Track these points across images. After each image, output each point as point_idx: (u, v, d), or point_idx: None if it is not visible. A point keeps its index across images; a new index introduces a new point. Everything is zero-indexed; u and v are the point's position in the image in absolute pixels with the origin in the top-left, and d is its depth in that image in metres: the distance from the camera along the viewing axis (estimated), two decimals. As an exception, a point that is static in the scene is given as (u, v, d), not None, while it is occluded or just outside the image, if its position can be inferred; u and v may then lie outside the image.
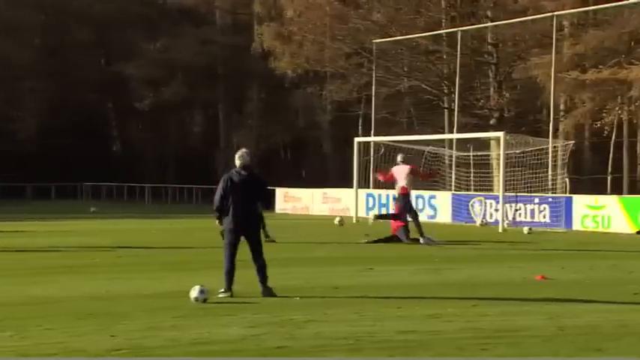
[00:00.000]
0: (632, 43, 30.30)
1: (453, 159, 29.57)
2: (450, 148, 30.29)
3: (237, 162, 9.80)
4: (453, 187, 28.56)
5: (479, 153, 29.69)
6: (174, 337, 7.13)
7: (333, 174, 44.98)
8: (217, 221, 9.70)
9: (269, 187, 10.02)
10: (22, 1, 52.75)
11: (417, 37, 34.11)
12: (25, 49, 51.73)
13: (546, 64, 28.64)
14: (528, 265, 13.72)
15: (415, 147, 30.05)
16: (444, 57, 35.71)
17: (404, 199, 17.94)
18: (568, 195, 24.80)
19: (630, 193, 30.37)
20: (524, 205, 24.47)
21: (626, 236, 20.91)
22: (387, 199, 28.40)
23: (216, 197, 9.59)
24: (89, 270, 12.53)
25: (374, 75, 33.56)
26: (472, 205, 26.04)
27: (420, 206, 27.52)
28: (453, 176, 29.07)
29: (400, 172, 18.28)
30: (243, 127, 54.31)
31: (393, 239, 17.67)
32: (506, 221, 23.70)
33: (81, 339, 7.08)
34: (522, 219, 24.47)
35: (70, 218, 28.12)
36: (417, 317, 8.19)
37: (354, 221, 26.26)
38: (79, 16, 54.10)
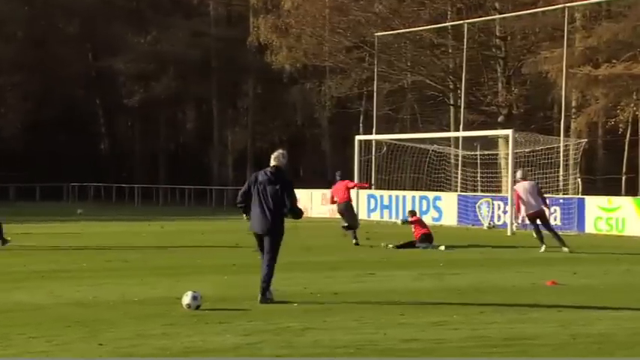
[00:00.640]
0: (648, 36, 30.34)
1: (459, 158, 29.59)
2: (456, 146, 30.31)
3: (271, 162, 9.86)
4: (459, 188, 28.58)
5: (486, 152, 29.72)
6: (164, 346, 7.13)
7: (333, 174, 44.96)
8: (245, 216, 9.78)
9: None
10: (4, -9, 52.79)
11: (421, 30, 34.13)
12: (7, 42, 51.73)
13: (557, 58, 28.67)
14: (538, 269, 13.72)
15: (419, 146, 30.08)
16: (450, 51, 35.73)
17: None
18: (580, 196, 24.81)
19: (645, 194, 30.40)
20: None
21: (641, 239, 20.94)
22: (389, 200, 28.44)
23: (240, 192, 9.83)
24: (76, 275, 12.53)
25: (375, 70, 33.58)
26: (479, 207, 26.06)
27: (424, 208, 27.56)
28: (459, 176, 29.09)
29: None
30: (238, 123, 54.34)
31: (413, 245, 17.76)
32: (515, 224, 23.73)
33: (67, 348, 7.08)
34: (532, 221, 24.45)
35: (56, 220, 28.10)
36: (420, 325, 8.20)
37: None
38: (65, 8, 54.10)
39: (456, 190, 28.40)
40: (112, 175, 52.84)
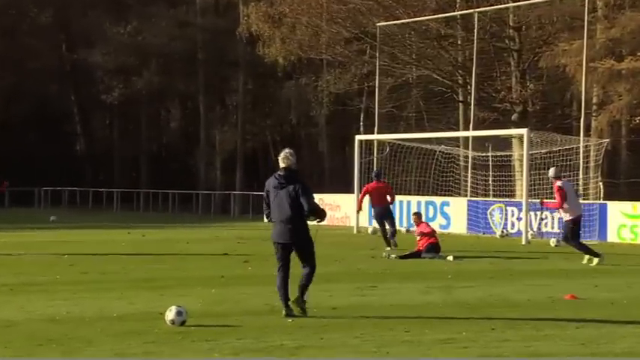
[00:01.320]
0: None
1: (469, 160, 29.62)
2: (466, 147, 30.34)
3: (280, 164, 9.86)
4: (469, 193, 28.60)
5: (499, 153, 29.75)
6: (146, 366, 7.12)
7: (331, 177, 45.03)
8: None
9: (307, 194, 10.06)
10: (-30, -23, 52.81)
11: (428, 20, 34.18)
12: (-26, 33, 51.78)
13: (576, 50, 28.71)
14: (556, 282, 13.74)
15: (425, 146, 30.11)
16: (459, 42, 35.78)
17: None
18: (602, 202, 24.84)
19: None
20: (551, 213, 24.50)
21: (669, 249, 20.97)
22: (392, 207, 28.42)
23: (264, 204, 10.01)
24: (49, 288, 12.52)
25: (377, 63, 33.61)
26: (491, 214, 26.08)
27: (431, 214, 27.57)
28: (469, 180, 29.12)
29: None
30: (226, 122, 54.37)
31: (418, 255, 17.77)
32: (531, 232, 23.73)
33: (39, 368, 7.07)
34: (549, 229, 24.51)
35: (27, 228, 28.08)
36: (426, 343, 8.20)
37: (355, 232, 26.28)
38: (37, -5, 54.17)
39: (466, 195, 28.42)
40: (89, 179, 52.83)
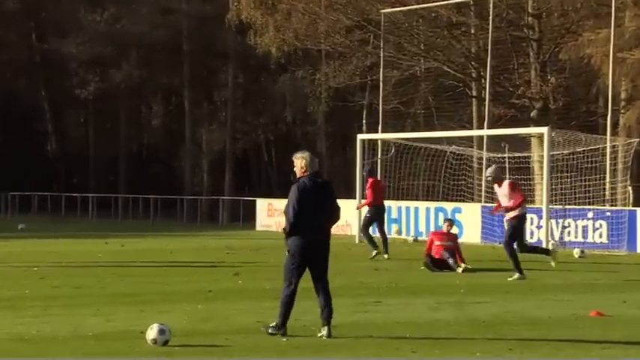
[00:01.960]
0: None
1: (484, 162, 29.63)
2: (480, 147, 30.34)
3: (309, 167, 10.01)
4: (483, 198, 28.61)
5: (516, 154, 29.75)
6: (125, 390, 7.14)
7: (330, 181, 44.99)
8: (286, 239, 9.90)
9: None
10: None
11: (438, 6, 34.21)
12: None
13: (603, 40, 28.73)
14: (580, 297, 13.76)
15: (435, 146, 30.13)
16: (472, 31, 35.81)
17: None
18: (631, 208, 24.85)
19: None
20: (575, 220, 24.51)
21: None
22: (398, 212, 28.47)
23: (290, 211, 9.83)
24: (17, 304, 12.52)
25: (382, 55, 33.64)
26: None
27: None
28: (483, 184, 29.14)
29: None
30: (215, 120, 54.42)
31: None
32: (552, 241, 23.73)
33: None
34: (572, 239, 24.52)
35: (-8, 237, 28.04)
36: (436, 364, 8.21)
37: (357, 241, 26.29)
38: (4, -21, 54.19)
39: (480, 201, 28.43)
40: (61, 183, 52.83)
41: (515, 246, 16.74)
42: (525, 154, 30.82)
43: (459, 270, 17.58)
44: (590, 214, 24.52)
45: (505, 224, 17.46)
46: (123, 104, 54.78)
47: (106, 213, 45.10)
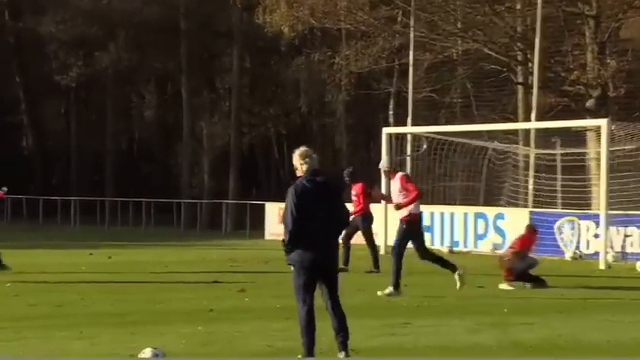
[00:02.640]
0: None
1: (531, 160, 29.59)
2: (526, 143, 30.30)
3: (304, 165, 9.94)
4: (530, 203, 28.58)
5: (569, 150, 29.72)
6: None
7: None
8: (287, 254, 9.89)
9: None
10: None
11: (477, -22, 34.16)
12: None
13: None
14: (643, 318, 13.74)
15: (473, 142, 30.09)
16: (518, 7, 35.75)
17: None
18: None
19: None
20: (639, 228, 24.45)
21: None
22: (431, 219, 28.44)
23: (288, 219, 9.76)
24: (-13, 325, 12.59)
25: (412, 35, 33.64)
26: (560, 229, 26.04)
27: (481, 230, 27.56)
28: (531, 186, 29.09)
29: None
30: (217, 110, 54.52)
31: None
32: (612, 253, 23.66)
33: None
34: (636, 250, 24.45)
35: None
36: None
37: (383, 252, 26.30)
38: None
39: (527, 205, 28.39)
40: (39, 184, 52.98)
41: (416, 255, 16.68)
42: (580, 151, 30.76)
43: (505, 286, 17.57)
44: (656, 221, 24.49)
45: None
46: (110, 92, 54.92)
47: (91, 219, 45.24)
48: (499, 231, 27.38)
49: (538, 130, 29.50)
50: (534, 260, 18.21)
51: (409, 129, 31.24)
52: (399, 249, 16.40)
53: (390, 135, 28.68)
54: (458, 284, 16.68)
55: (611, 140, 24.63)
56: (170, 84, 57.35)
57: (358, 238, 21.31)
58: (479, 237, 27.62)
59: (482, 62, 37.47)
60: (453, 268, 16.90)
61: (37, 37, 53.06)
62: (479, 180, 30.63)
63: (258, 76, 53.01)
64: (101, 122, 55.84)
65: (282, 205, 10.17)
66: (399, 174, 17.02)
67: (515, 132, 31.10)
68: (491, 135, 29.79)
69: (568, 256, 25.28)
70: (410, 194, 16.47)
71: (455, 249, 27.13)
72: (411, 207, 16.47)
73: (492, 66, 37.09)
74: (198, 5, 50.72)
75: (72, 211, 45.54)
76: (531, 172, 29.41)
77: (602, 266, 22.59)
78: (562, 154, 29.57)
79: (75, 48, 53.29)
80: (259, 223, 36.02)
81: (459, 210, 28.72)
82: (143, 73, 56.30)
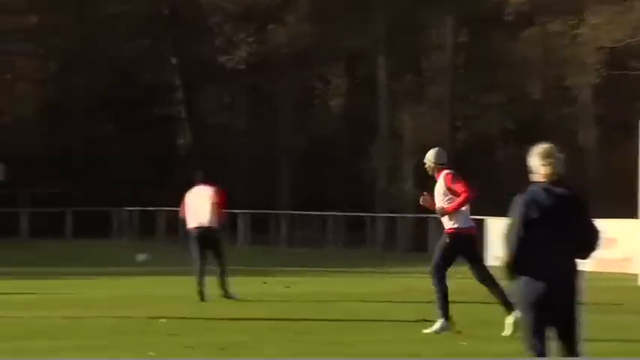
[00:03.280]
0: None
1: None
2: None
3: (546, 168, 9.75)
4: None
5: None
6: None
7: (599, 190, 44.25)
8: (509, 280, 9.84)
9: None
10: None
11: None
12: None
13: None
14: None
15: None
16: None
17: None
18: None
19: None
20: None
21: None
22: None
23: (512, 237, 9.67)
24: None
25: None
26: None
27: None
28: None
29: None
30: (423, 98, 54.28)
31: None
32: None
33: None
34: None
35: None
36: None
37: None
38: None
39: None
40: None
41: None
42: None
43: None
44: None
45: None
46: (286, 77, 55.45)
47: (262, 237, 45.95)
48: None
49: None
50: None
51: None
52: (438, 271, 16.69)
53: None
54: (507, 330, 16.05)
55: None
56: (362, 64, 57.50)
57: (624, 264, 20.87)
58: None
59: None
60: (510, 307, 16.03)
61: (196, 8, 54.10)
62: None
63: (476, 54, 52.72)
64: (274, 114, 56.52)
65: (506, 220, 9.93)
66: (444, 172, 17.09)
67: None
68: None
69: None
70: (459, 197, 16.60)
71: None
72: (459, 218, 16.62)
73: None
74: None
75: (239, 226, 46.25)
76: None
77: None
78: None
79: (243, 21, 54.04)
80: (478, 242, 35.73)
81: None
82: (328, 52, 56.63)
